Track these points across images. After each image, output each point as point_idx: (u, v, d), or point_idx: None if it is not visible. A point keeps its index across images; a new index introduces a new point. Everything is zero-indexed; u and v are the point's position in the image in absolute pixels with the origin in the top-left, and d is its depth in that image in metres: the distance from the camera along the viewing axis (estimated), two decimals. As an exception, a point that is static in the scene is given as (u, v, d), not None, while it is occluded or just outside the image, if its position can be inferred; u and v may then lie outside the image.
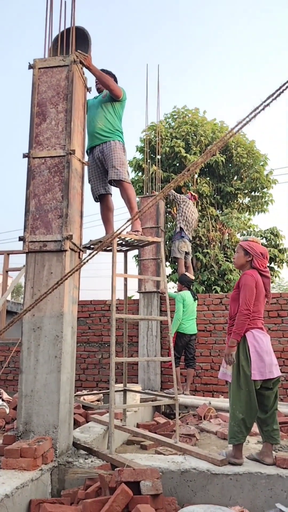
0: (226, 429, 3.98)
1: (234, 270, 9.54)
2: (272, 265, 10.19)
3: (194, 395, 6.52)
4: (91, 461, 3.07)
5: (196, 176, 10.58)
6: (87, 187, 4.02)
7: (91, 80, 4.04)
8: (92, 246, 4.07)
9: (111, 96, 4.26)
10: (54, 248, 3.23)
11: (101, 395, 5.76)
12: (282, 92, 1.32)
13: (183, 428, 4.34)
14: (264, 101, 1.33)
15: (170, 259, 9.31)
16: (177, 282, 7.40)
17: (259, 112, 1.35)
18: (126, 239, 3.91)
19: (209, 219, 10.37)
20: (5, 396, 5.86)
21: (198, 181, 10.52)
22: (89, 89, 3.80)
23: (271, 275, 9.78)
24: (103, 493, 2.52)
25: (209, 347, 7.01)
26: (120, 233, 2.21)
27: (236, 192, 10.93)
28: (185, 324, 6.37)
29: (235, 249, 3.48)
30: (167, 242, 9.56)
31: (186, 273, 6.97)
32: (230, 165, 10.94)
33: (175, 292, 6.99)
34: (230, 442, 3.07)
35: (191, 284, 6.83)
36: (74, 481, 2.81)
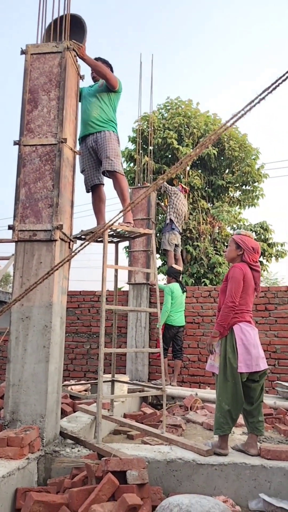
0: (212, 420, 4.03)
1: (224, 263, 9.59)
2: (261, 259, 10.24)
3: (181, 386, 6.57)
4: (78, 451, 3.08)
5: (188, 168, 10.55)
6: (78, 176, 3.98)
7: (84, 68, 3.99)
8: (82, 237, 4.05)
9: (107, 86, 4.21)
10: (44, 238, 3.21)
11: (89, 385, 5.78)
12: (278, 86, 1.32)
13: (169, 419, 4.37)
14: (259, 95, 1.33)
15: (160, 251, 9.31)
16: (165, 275, 7.43)
17: (254, 105, 1.34)
18: (118, 230, 3.90)
19: (200, 212, 10.37)
20: (-8, 385, 5.84)
21: (190, 173, 10.49)
22: (82, 77, 3.75)
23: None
24: (89, 482, 2.54)
25: (197, 339, 7.06)
26: (112, 224, 2.20)
27: (227, 185, 10.93)
28: (173, 316, 6.39)
29: (228, 242, 3.49)
30: (158, 234, 9.56)
31: (173, 265, 6.98)
32: (222, 158, 10.92)
33: (164, 284, 7.01)
34: (215, 433, 3.11)
35: (179, 276, 6.84)
36: (61, 470, 2.82)
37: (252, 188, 11.23)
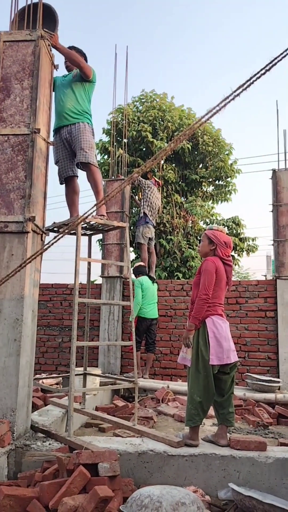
0: (183, 412, 4.09)
1: (196, 257, 9.68)
2: (232, 253, 10.41)
3: (153, 378, 6.63)
4: (49, 444, 3.07)
5: (162, 162, 10.57)
6: (52, 167, 3.93)
7: (58, 58, 3.92)
8: (55, 229, 4.00)
9: (81, 75, 4.15)
10: (16, 229, 3.15)
11: (61, 378, 5.75)
12: (252, 83, 1.33)
13: (141, 411, 4.41)
14: (234, 91, 1.34)
15: (134, 245, 9.32)
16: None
17: (228, 102, 1.35)
18: (91, 223, 3.87)
19: (174, 206, 10.42)
20: None
21: (164, 167, 10.52)
22: (56, 67, 3.69)
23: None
24: (60, 475, 2.53)
25: (169, 332, 7.12)
26: (86, 217, 2.19)
27: (200, 180, 11.02)
28: (145, 309, 6.43)
29: (201, 238, 3.53)
30: (131, 227, 9.55)
31: (136, 264, 6.97)
32: (196, 152, 10.99)
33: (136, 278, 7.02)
34: (187, 424, 3.16)
35: (145, 270, 6.86)
36: (32, 464, 2.81)
37: (225, 183, 11.37)
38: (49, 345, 7.56)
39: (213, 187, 11.58)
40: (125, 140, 9.35)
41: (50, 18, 3.70)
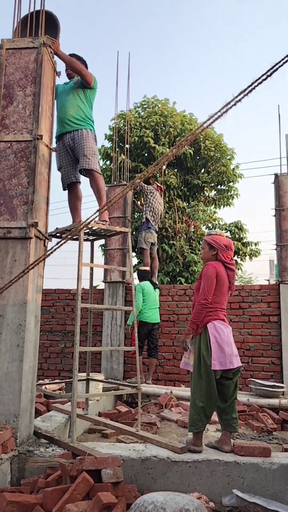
0: (187, 418, 4.07)
1: (199, 261, 9.68)
2: (235, 258, 10.41)
3: (156, 384, 6.61)
4: (52, 450, 3.06)
5: (164, 167, 10.60)
6: (54, 173, 3.94)
7: (60, 64, 3.95)
8: (58, 234, 4.01)
9: (82, 82, 4.18)
10: (19, 235, 3.16)
11: (63, 384, 5.74)
12: (254, 88, 1.34)
13: (144, 417, 4.39)
14: (236, 97, 1.35)
15: (136, 250, 9.32)
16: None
17: (230, 107, 1.36)
18: (94, 228, 3.88)
19: (176, 211, 10.43)
20: None
21: (166, 172, 10.55)
22: (58, 73, 3.71)
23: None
24: (63, 481, 2.52)
25: (172, 337, 7.11)
26: (89, 223, 2.19)
27: (203, 185, 11.04)
28: (147, 313, 6.42)
29: (201, 244, 3.55)
30: (134, 233, 9.56)
31: (140, 268, 6.94)
32: (198, 157, 11.02)
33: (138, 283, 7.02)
34: (190, 430, 3.14)
35: (149, 275, 6.85)
36: (35, 470, 2.80)
37: (227, 188, 11.39)
38: (52, 351, 7.55)
39: (215, 192, 11.60)
40: (127, 146, 9.38)
41: (51, 25, 3.74)
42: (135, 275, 6.92)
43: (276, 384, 5.56)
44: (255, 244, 10.65)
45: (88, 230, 3.96)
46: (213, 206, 11.56)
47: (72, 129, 4.17)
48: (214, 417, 3.88)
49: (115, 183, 7.72)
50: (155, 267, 7.58)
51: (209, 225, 10.82)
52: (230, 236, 10.36)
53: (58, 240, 2.64)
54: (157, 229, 7.88)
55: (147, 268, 6.96)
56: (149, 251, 7.57)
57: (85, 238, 4.12)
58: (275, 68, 1.37)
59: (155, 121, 10.61)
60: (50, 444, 3.19)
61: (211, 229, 10.65)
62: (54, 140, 3.84)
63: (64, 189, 4.43)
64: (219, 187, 11.46)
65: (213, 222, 10.91)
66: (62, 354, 7.51)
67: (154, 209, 7.62)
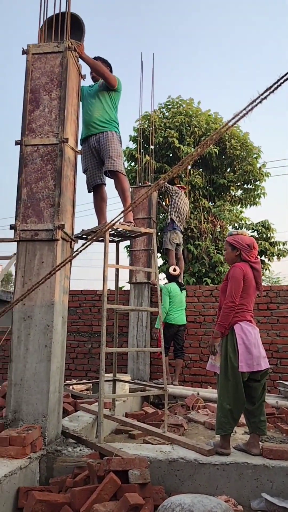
0: (214, 420, 4.03)
1: (225, 262, 9.57)
2: (262, 258, 10.24)
3: (182, 385, 6.57)
4: (80, 450, 3.09)
5: (189, 167, 10.54)
6: (80, 176, 3.98)
7: (85, 68, 3.99)
8: (84, 236, 4.05)
9: (106, 85, 4.21)
10: (46, 237, 3.21)
11: (90, 384, 5.79)
12: (280, 85, 1.31)
13: (171, 418, 4.37)
14: (262, 94, 1.32)
15: (161, 251, 9.31)
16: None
17: (256, 105, 1.34)
18: (119, 229, 3.90)
19: (201, 211, 10.36)
20: (-6, 384, 5.85)
21: (191, 172, 10.48)
22: (83, 77, 3.75)
23: (261, 268, 9.86)
24: (91, 481, 2.54)
25: (199, 338, 7.06)
26: (113, 224, 2.20)
27: (228, 184, 10.91)
28: (173, 315, 6.39)
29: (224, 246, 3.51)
30: (159, 233, 9.55)
31: (170, 271, 6.87)
32: (223, 157, 10.90)
33: (164, 284, 7.00)
34: (217, 433, 3.11)
35: (176, 279, 6.80)
36: (63, 470, 2.83)
37: (253, 187, 11.21)
38: (79, 351, 7.62)
39: (241, 191, 11.44)
40: (152, 147, 9.37)
41: (77, 28, 3.77)
42: (163, 276, 6.90)
43: (306, 386, 5.43)
44: (283, 244, 10.43)
45: (113, 232, 3.98)
46: (240, 205, 11.40)
47: (97, 131, 4.20)
48: (242, 419, 3.83)
49: (140, 184, 7.73)
50: (180, 268, 7.55)
51: (236, 225, 10.69)
52: (257, 236, 10.21)
53: (84, 241, 2.67)
54: (182, 230, 7.84)
55: (176, 273, 6.88)
56: (175, 252, 7.54)
57: (110, 239, 4.14)
58: (302, 63, 1.34)
59: (179, 121, 10.56)
60: (77, 444, 3.22)
61: (238, 228, 10.52)
62: (79, 142, 3.88)
63: (89, 191, 4.47)
64: (245, 186, 11.30)
65: (240, 222, 10.76)
66: (89, 355, 7.57)
67: (180, 210, 7.59)
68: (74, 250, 3.47)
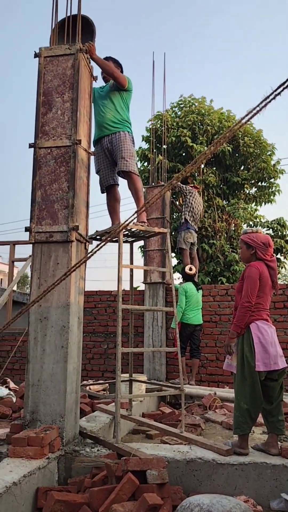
0: (231, 419, 4.00)
1: (240, 261, 9.50)
2: (278, 256, 10.14)
3: (199, 385, 6.54)
4: (97, 450, 3.10)
5: (202, 166, 10.49)
6: (93, 177, 4.00)
7: (97, 69, 4.00)
8: (98, 237, 4.07)
9: (117, 85, 4.21)
10: (61, 239, 3.23)
11: (107, 384, 5.80)
12: (293, 81, 1.30)
13: (188, 418, 4.36)
14: (275, 90, 1.31)
15: (176, 250, 9.29)
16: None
17: (269, 101, 1.32)
18: (133, 230, 3.90)
19: (215, 209, 10.30)
20: (12, 385, 5.92)
21: (205, 171, 10.43)
22: (95, 78, 3.77)
23: (277, 266, 9.73)
24: (109, 481, 2.55)
25: (215, 338, 7.02)
26: (127, 225, 2.20)
27: (242, 182, 10.83)
28: (189, 315, 6.37)
29: (238, 244, 3.48)
30: (173, 233, 9.53)
31: (186, 270, 6.83)
32: (237, 155, 10.82)
33: (180, 283, 6.99)
34: (235, 433, 3.09)
35: (191, 278, 6.77)
36: (81, 470, 2.84)
37: (268, 185, 11.11)
38: (95, 352, 7.65)
39: (255, 189, 11.35)
40: (165, 146, 9.35)
41: (87, 29, 3.79)
42: (177, 275, 6.88)
43: None
44: (299, 241, 10.31)
45: (127, 232, 3.98)
46: (254, 203, 11.30)
47: (110, 132, 4.21)
48: (260, 419, 3.79)
49: (153, 184, 7.72)
50: (195, 267, 7.52)
51: (250, 223, 10.60)
52: (272, 234, 10.11)
53: (98, 242, 2.68)
54: (196, 229, 7.81)
55: (192, 272, 6.85)
56: (189, 251, 7.52)
57: (124, 239, 4.14)
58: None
59: (192, 120, 10.52)
60: (95, 444, 3.23)
61: (252, 226, 10.43)
62: (92, 144, 3.89)
63: (102, 192, 4.48)
64: (259, 183, 11.20)
65: (254, 220, 10.67)
66: (105, 355, 7.60)
67: (194, 209, 7.56)
68: (89, 251, 3.49)
